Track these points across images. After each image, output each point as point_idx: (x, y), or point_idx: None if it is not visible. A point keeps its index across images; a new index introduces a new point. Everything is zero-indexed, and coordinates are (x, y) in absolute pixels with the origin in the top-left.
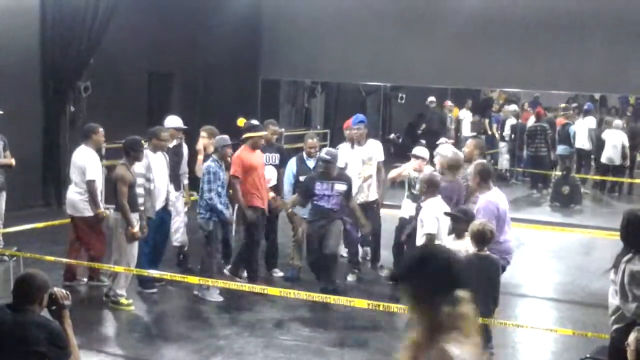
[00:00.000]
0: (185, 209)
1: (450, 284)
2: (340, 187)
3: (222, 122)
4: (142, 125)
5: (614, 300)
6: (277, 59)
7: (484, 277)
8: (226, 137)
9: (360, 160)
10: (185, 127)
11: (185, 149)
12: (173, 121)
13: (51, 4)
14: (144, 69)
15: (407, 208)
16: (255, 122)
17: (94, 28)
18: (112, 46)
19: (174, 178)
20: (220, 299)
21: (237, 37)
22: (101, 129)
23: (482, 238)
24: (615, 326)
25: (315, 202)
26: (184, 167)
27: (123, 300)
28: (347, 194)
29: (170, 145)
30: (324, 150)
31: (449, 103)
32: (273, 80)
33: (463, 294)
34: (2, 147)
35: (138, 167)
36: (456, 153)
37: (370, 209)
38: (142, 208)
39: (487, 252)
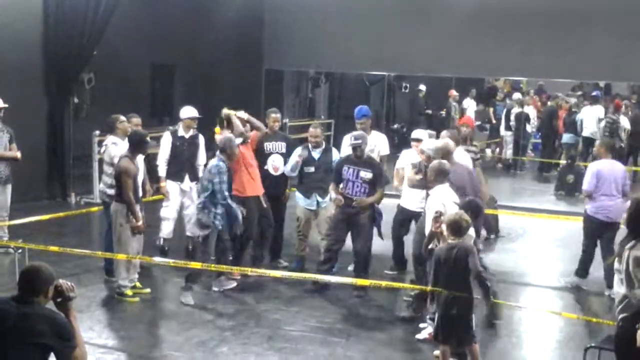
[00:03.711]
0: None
1: None
2: (366, 174)
3: None
4: (145, 116)
5: (620, 290)
6: (280, 49)
7: (454, 268)
8: (232, 136)
9: None
10: (199, 116)
11: (201, 140)
12: (187, 112)
13: None
14: (147, 60)
15: (411, 198)
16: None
17: (97, 20)
18: (115, 38)
19: (190, 168)
20: (235, 283)
21: (240, 27)
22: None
23: (459, 227)
24: (621, 315)
25: (341, 188)
26: (201, 158)
27: (128, 292)
28: (375, 181)
29: (187, 136)
30: (352, 133)
31: (454, 92)
32: (277, 71)
33: None
34: (7, 139)
35: (115, 158)
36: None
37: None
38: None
39: (458, 241)
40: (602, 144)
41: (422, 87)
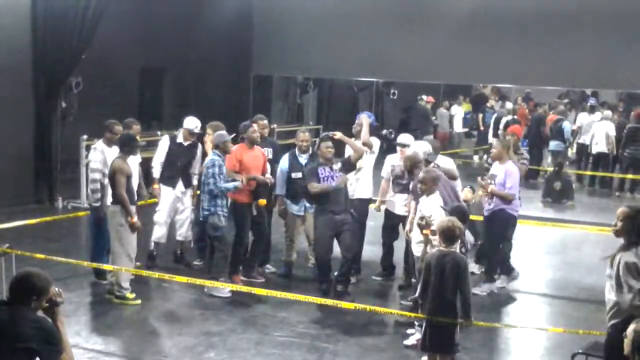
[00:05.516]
0: (192, 207)
1: None
2: (336, 166)
3: (214, 118)
4: None
5: (610, 296)
6: (269, 55)
7: (445, 276)
8: (224, 132)
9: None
10: (199, 132)
11: (199, 150)
12: (188, 122)
13: None
14: (136, 64)
15: (398, 202)
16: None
17: (86, 23)
18: (104, 42)
19: (185, 175)
20: (228, 295)
21: (230, 32)
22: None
23: (452, 235)
24: (611, 322)
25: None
26: (197, 167)
27: (129, 295)
28: (346, 166)
29: (185, 144)
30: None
31: (432, 99)
32: (265, 76)
33: None
34: None
35: (94, 163)
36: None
37: (359, 206)
38: (99, 204)
39: (452, 249)
40: (504, 145)
41: (424, 97)
